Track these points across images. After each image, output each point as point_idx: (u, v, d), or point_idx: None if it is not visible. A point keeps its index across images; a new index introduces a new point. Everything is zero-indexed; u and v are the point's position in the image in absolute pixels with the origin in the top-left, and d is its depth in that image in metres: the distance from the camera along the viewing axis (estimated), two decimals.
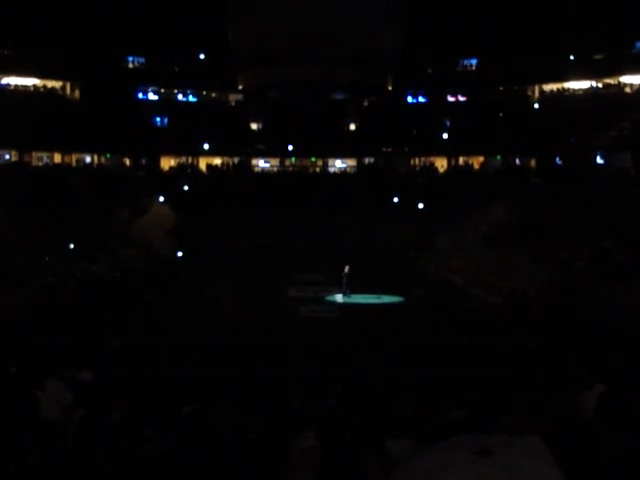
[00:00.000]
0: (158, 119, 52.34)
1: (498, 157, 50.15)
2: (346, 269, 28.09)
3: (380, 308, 26.38)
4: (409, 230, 38.00)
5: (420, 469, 2.01)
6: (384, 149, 52.17)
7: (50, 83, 50.03)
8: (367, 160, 52.48)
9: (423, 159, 52.16)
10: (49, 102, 47.42)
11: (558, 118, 45.75)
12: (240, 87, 53.16)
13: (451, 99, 54.57)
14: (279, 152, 51.61)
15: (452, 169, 50.80)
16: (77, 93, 50.89)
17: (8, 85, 48.09)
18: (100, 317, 22.07)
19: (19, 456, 3.50)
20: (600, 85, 48.87)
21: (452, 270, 33.39)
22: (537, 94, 52.28)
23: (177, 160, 51.65)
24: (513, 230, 34.90)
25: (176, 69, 53.59)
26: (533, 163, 48.44)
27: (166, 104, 53.14)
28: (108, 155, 50.14)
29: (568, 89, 50.41)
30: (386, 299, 28.10)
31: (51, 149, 47.63)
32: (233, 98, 55.59)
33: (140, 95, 53.53)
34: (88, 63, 47.20)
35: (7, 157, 45.99)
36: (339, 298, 28.05)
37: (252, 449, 4.90)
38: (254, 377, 14.19)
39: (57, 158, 48.38)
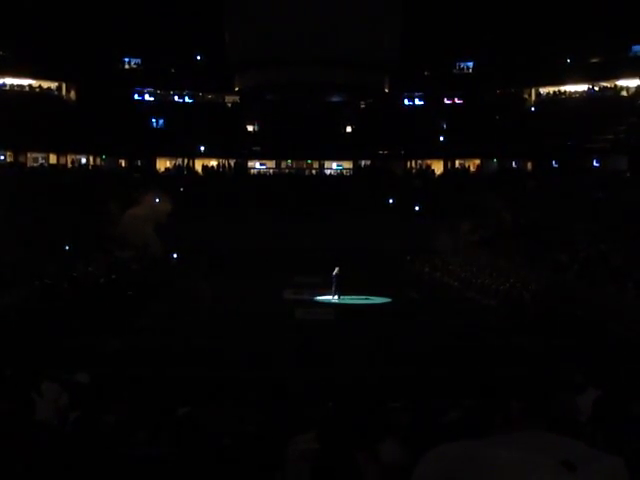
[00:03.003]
0: (154, 120, 52.28)
1: (494, 160, 50.24)
2: (335, 271, 28.05)
3: (374, 310, 26.31)
4: (405, 232, 38.04)
5: (498, 465, 1.86)
6: (380, 151, 52.18)
7: (46, 84, 49.97)
8: (363, 162, 52.51)
9: (419, 162, 52.23)
10: (45, 103, 47.36)
11: (555, 121, 45.85)
12: (236, 89, 53.13)
13: (448, 102, 54.63)
14: (275, 154, 51.60)
15: (448, 172, 50.88)
16: (73, 94, 50.85)
17: (4, 85, 47.99)
18: (96, 319, 22.01)
19: (15, 458, 3.47)
20: (597, 88, 49.00)
21: (448, 272, 33.47)
22: (534, 97, 52.42)
23: (173, 161, 51.63)
24: (509, 233, 34.96)
25: (172, 70, 53.52)
26: (529, 166, 48.56)
27: (162, 105, 53.10)
28: (104, 156, 50.05)
29: (565, 92, 50.53)
30: (377, 300, 28.06)
31: (47, 150, 47.56)
32: (229, 100, 55.59)
33: (136, 96, 53.51)
34: (84, 64, 47.19)
35: (2, 158, 45.89)
36: (332, 300, 27.97)
37: (249, 452, 4.88)
38: (251, 379, 14.16)
39: (52, 159, 48.30)
